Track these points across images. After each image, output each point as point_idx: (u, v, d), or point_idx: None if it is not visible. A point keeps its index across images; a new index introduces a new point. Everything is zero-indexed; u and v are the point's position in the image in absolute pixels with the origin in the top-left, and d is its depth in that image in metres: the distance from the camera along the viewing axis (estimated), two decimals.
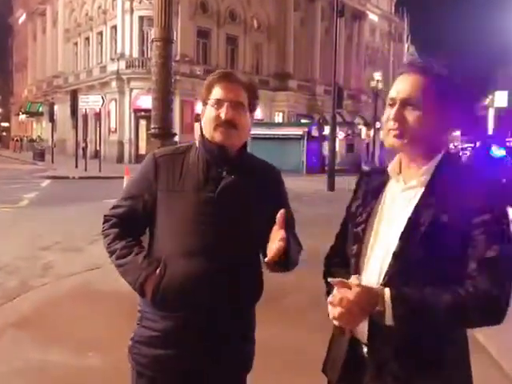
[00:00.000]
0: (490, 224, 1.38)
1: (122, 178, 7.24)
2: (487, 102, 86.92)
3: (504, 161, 18.63)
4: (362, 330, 1.50)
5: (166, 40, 6.28)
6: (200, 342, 1.81)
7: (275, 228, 1.68)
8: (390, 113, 1.52)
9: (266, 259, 1.70)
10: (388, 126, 1.52)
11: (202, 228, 1.79)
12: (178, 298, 1.77)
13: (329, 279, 1.41)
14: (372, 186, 1.65)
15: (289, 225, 1.73)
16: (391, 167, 1.60)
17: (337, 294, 1.37)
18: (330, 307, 1.39)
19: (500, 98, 67.93)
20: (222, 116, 1.82)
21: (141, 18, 33.57)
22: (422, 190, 1.50)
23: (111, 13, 36.13)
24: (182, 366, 1.84)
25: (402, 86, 1.51)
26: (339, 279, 1.39)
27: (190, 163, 1.87)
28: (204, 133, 1.88)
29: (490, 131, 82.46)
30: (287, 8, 40.42)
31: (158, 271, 1.78)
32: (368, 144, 41.20)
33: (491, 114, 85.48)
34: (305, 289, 5.74)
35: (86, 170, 23.24)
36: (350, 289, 1.35)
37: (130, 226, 1.90)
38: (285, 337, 4.31)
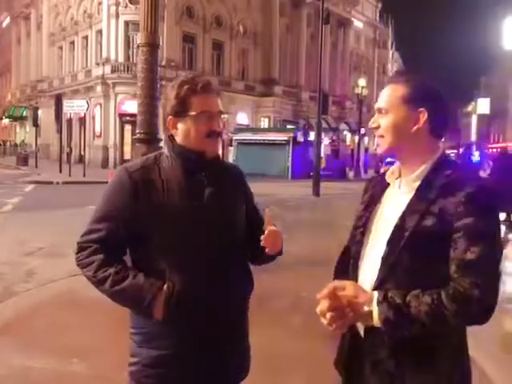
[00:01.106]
0: (472, 227, 1.41)
1: (107, 183, 7.16)
2: (470, 108, 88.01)
3: (481, 165, 19.75)
4: (361, 325, 1.57)
5: (152, 45, 6.30)
6: (209, 352, 1.82)
7: (266, 225, 1.83)
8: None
9: (268, 251, 1.83)
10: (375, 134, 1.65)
11: (198, 238, 1.78)
12: (187, 311, 1.75)
13: (317, 295, 1.48)
14: (375, 191, 1.72)
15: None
16: (389, 173, 1.67)
17: (323, 302, 1.46)
18: (321, 317, 1.47)
19: (482, 105, 68.88)
20: (215, 128, 1.83)
21: (126, 23, 33.49)
22: (412, 195, 1.55)
23: (96, 17, 36.00)
24: (192, 378, 1.82)
25: (380, 96, 1.64)
26: (326, 292, 1.46)
27: (167, 173, 1.81)
28: (183, 143, 1.83)
29: (473, 137, 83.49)
30: (273, 14, 40.61)
31: (165, 288, 1.73)
32: (353, 150, 41.42)
33: (474, 120, 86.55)
34: (290, 292, 5.77)
35: (70, 175, 23.04)
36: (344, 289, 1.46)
37: (112, 250, 1.78)
38: (268, 339, 4.32)
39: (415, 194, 1.54)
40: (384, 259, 1.52)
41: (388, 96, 1.60)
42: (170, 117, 1.84)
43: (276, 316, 5.13)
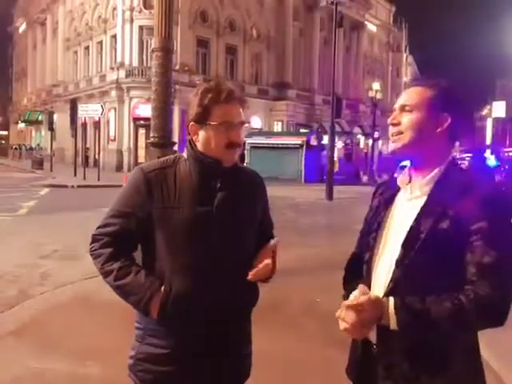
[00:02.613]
0: (489, 230, 1.42)
1: (121, 186, 7.20)
2: (485, 112, 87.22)
3: (498, 169, 19.34)
4: (373, 331, 1.56)
5: (166, 50, 6.32)
6: (205, 356, 1.83)
7: (265, 254, 1.86)
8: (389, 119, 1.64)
9: (251, 277, 1.82)
10: (389, 132, 1.63)
11: (203, 242, 1.79)
12: (184, 314, 1.78)
13: (342, 303, 1.48)
14: (385, 196, 1.72)
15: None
16: (400, 178, 1.67)
17: (343, 309, 1.46)
18: (340, 321, 1.46)
19: (498, 109, 68.18)
20: (235, 140, 1.83)
21: (140, 28, 33.77)
22: (425, 198, 1.55)
23: (111, 22, 36.36)
24: (188, 379, 1.84)
25: (403, 96, 1.64)
26: (347, 303, 1.46)
27: (182, 177, 1.84)
28: (202, 149, 1.85)
29: (488, 141, 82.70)
30: (286, 18, 40.68)
31: (163, 288, 1.77)
32: (366, 153, 41.24)
33: (489, 124, 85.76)
34: (304, 298, 5.76)
35: (84, 178, 23.23)
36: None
37: (122, 245, 1.84)
38: (278, 344, 4.32)
39: (429, 196, 1.55)
40: (398, 262, 1.52)
41: (415, 95, 1.60)
42: (191, 123, 1.86)
43: (290, 321, 5.11)
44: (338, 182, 21.94)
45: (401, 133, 1.59)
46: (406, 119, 1.59)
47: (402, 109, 1.60)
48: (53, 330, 4.79)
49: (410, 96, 1.61)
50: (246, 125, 1.93)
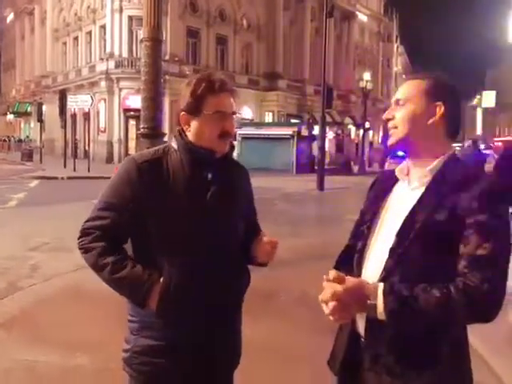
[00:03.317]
0: (484, 224, 1.41)
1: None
2: (475, 102, 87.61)
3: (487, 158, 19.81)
4: (361, 323, 1.57)
5: (156, 40, 6.27)
6: (203, 346, 1.84)
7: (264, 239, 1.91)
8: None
9: (261, 260, 1.92)
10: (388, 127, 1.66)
11: (198, 233, 1.79)
12: (184, 304, 1.77)
13: (324, 277, 1.47)
14: (382, 187, 1.73)
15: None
16: (398, 169, 1.68)
17: (326, 289, 1.44)
18: (323, 305, 1.44)
19: (487, 98, 68.46)
20: (228, 129, 1.84)
21: (130, 18, 33.46)
22: (423, 189, 1.56)
23: (100, 12, 36.00)
24: (185, 369, 1.83)
25: (399, 90, 1.66)
26: (330, 276, 1.45)
27: (174, 168, 1.82)
28: (194, 140, 1.84)
29: (478, 131, 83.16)
30: (277, 8, 40.46)
31: (162, 280, 1.76)
32: (357, 144, 41.33)
33: (479, 113, 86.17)
34: (296, 287, 5.77)
35: (74, 170, 23.11)
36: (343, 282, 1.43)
37: (114, 239, 1.80)
38: (271, 334, 4.33)
39: (427, 188, 1.55)
40: (392, 250, 1.52)
41: (407, 88, 1.63)
42: (183, 113, 1.85)
43: (282, 310, 5.14)
44: (329, 173, 21.99)
45: (395, 127, 1.61)
46: (400, 113, 1.61)
47: (396, 103, 1.63)
48: (42, 322, 4.78)
49: (402, 90, 1.64)
50: (238, 115, 1.92)
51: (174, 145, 1.89)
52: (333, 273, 1.46)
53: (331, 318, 1.44)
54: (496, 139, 57.95)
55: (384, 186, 1.73)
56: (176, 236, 1.78)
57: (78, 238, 1.83)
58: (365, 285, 1.45)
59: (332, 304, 1.41)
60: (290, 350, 4.07)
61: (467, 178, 1.50)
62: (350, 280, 1.45)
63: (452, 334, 1.51)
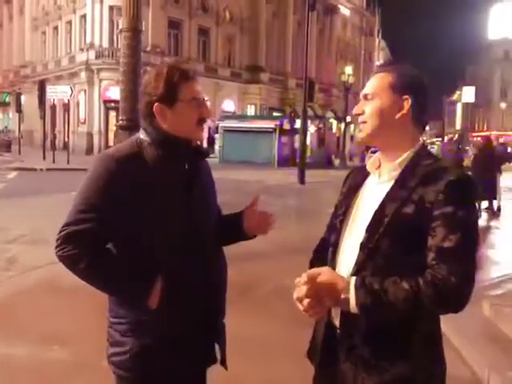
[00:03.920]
0: (451, 215, 1.43)
1: None
2: (455, 97, 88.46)
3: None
4: (336, 315, 1.59)
5: (135, 30, 6.22)
6: (203, 338, 1.86)
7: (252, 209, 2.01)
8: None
9: (261, 233, 2.04)
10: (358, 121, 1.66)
11: (187, 226, 1.78)
12: (186, 298, 1.76)
13: (295, 281, 1.48)
14: (355, 181, 1.74)
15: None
16: (370, 163, 1.68)
17: (300, 287, 1.46)
18: (297, 303, 1.47)
19: (467, 94, 69.06)
20: (206, 115, 1.84)
21: (111, 8, 33.01)
22: (392, 183, 1.56)
23: (80, 1, 35.45)
24: (187, 364, 1.83)
25: (367, 84, 1.66)
26: (303, 278, 1.46)
27: (151, 161, 1.76)
28: (170, 130, 1.79)
29: (458, 126, 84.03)
30: (260, 0, 40.30)
31: (160, 277, 1.73)
32: (339, 138, 41.48)
33: (459, 109, 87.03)
34: (274, 280, 5.79)
35: (54, 161, 22.79)
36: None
37: (100, 242, 1.71)
38: (252, 327, 4.35)
39: (396, 182, 1.56)
40: (362, 245, 1.54)
41: (375, 83, 1.62)
42: (156, 103, 1.77)
43: (260, 303, 5.16)
44: (311, 166, 22.04)
45: (365, 122, 1.61)
46: (368, 108, 1.61)
47: (365, 98, 1.63)
48: (19, 314, 4.73)
49: (370, 84, 1.64)
50: (208, 102, 1.94)
51: (145, 137, 1.82)
52: (304, 277, 1.46)
53: (307, 314, 1.47)
54: (475, 134, 58.70)
55: (356, 180, 1.74)
56: (171, 233, 1.74)
57: (59, 245, 1.67)
58: (337, 279, 1.46)
59: (306, 301, 1.44)
60: (267, 342, 4.10)
61: (435, 170, 1.51)
62: (323, 275, 1.46)
63: (425, 324, 1.53)
